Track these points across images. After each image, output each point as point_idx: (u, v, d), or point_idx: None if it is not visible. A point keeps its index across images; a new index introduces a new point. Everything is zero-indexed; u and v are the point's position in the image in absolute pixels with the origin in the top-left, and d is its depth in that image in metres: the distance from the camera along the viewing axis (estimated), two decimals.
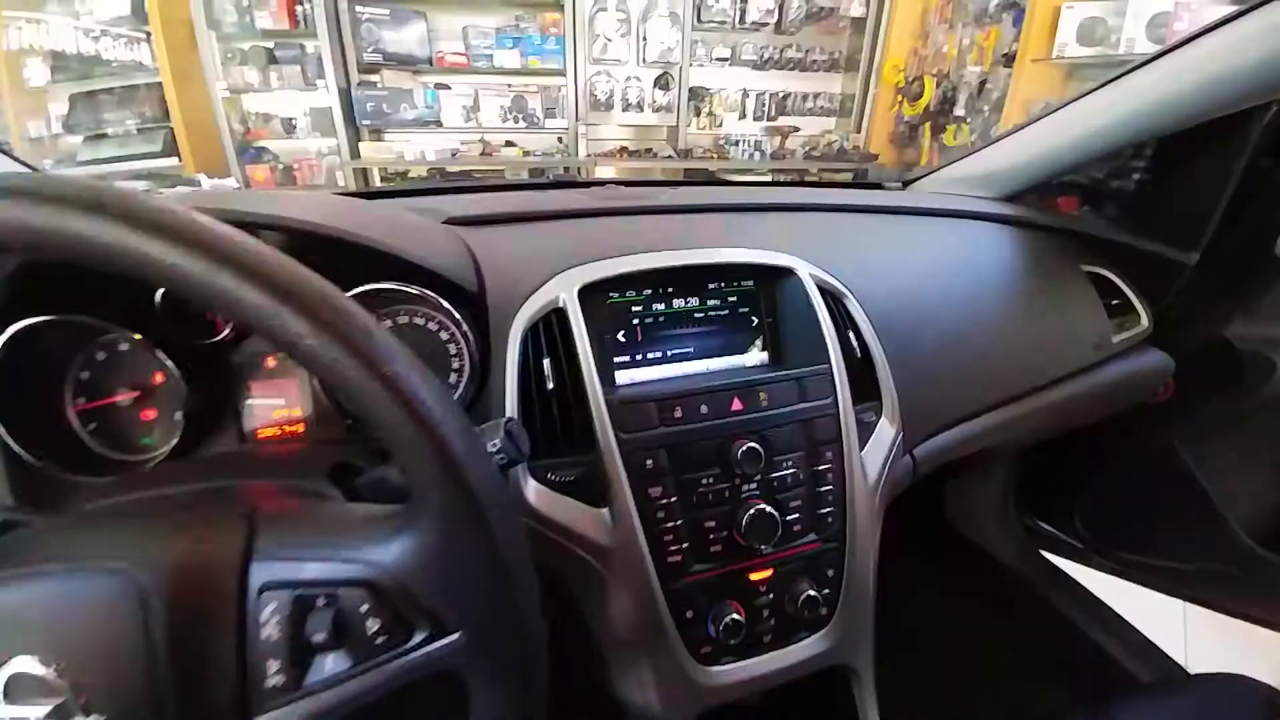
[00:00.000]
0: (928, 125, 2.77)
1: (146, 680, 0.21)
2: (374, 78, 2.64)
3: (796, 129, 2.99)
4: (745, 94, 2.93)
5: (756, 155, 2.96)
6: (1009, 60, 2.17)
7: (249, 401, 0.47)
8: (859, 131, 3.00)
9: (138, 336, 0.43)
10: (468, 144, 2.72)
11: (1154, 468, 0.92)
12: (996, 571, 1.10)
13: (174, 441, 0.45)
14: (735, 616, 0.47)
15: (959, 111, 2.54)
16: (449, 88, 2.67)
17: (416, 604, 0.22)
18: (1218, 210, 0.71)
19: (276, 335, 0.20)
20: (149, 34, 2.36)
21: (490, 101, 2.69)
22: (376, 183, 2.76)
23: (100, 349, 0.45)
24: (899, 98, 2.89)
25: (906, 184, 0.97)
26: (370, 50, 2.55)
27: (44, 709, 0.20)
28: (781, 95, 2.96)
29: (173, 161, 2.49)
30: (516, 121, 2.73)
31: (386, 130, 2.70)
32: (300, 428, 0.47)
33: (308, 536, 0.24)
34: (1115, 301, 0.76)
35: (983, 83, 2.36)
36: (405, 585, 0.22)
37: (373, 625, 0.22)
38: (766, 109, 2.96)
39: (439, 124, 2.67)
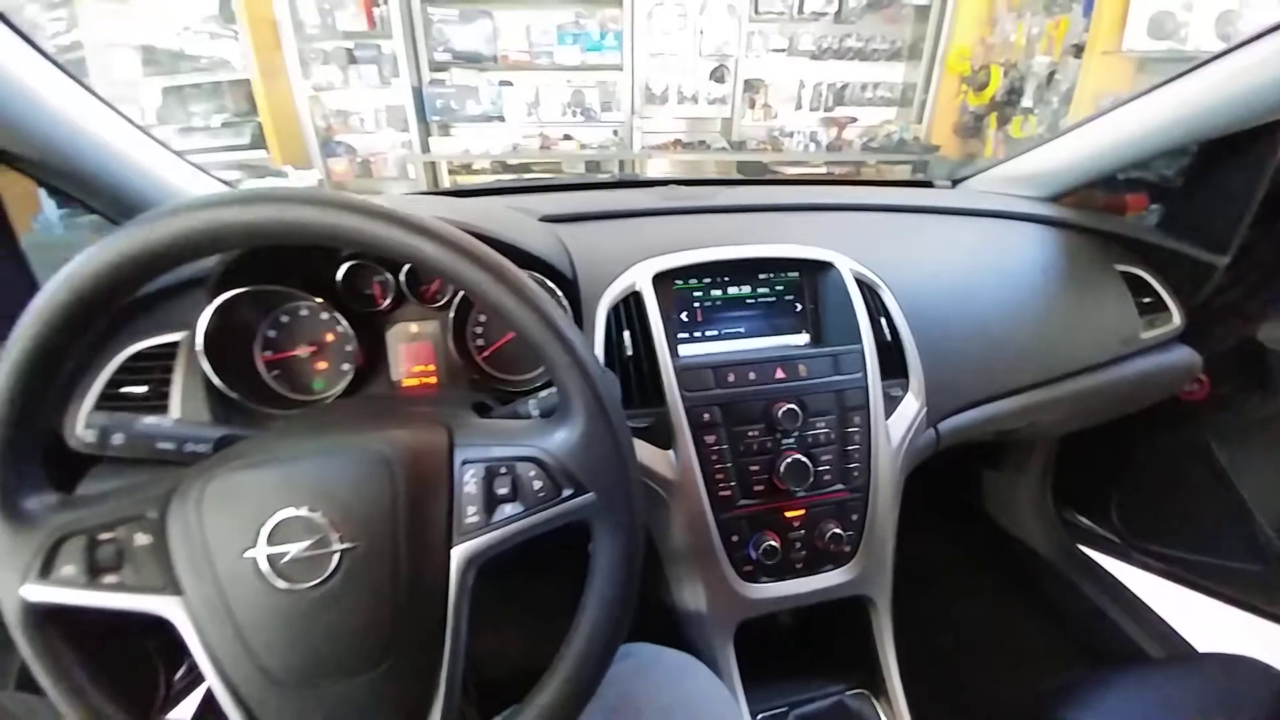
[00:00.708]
0: (993, 116, 2.70)
1: (390, 520, 0.33)
2: (443, 75, 2.81)
3: (854, 119, 2.94)
4: (802, 84, 2.91)
5: (812, 147, 2.94)
6: (1078, 51, 2.11)
7: (398, 357, 0.61)
8: (920, 122, 2.92)
9: (319, 302, 0.57)
10: (528, 138, 2.86)
11: (1189, 465, 0.94)
12: (1030, 559, 1.14)
13: (342, 386, 0.59)
14: (772, 544, 0.58)
15: (1026, 102, 2.47)
16: (512, 84, 2.81)
17: (567, 473, 0.34)
18: (1249, 213, 0.74)
19: (490, 301, 0.32)
20: (235, 32, 2.55)
21: (550, 96, 2.81)
22: (444, 174, 2.95)
23: (283, 313, 0.59)
24: (964, 87, 2.81)
25: (956, 182, 1.02)
26: (440, 50, 2.72)
27: (306, 542, 0.31)
28: (840, 85, 2.92)
29: (260, 154, 2.70)
30: (575, 115, 2.84)
31: (453, 125, 2.88)
32: (434, 379, 0.61)
33: (491, 433, 0.37)
34: (1148, 299, 0.80)
35: (1051, 73, 2.29)
36: (560, 460, 0.34)
37: (537, 485, 0.34)
38: (824, 99, 2.94)
39: (502, 119, 2.82)
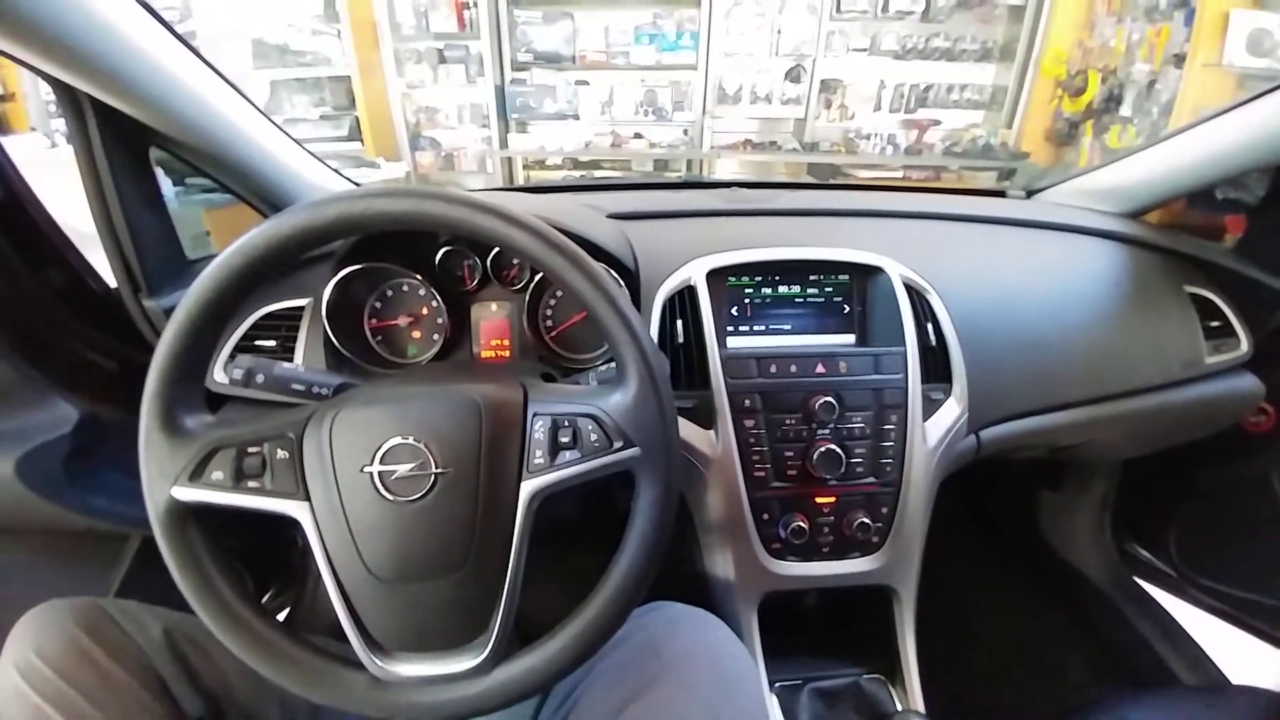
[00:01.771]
0: (1089, 124, 2.53)
1: (475, 453, 0.40)
2: (524, 75, 2.95)
3: (937, 122, 2.82)
4: (882, 85, 2.82)
5: (889, 149, 2.85)
6: (1179, 61, 1.96)
7: (478, 332, 0.70)
8: (1009, 127, 2.77)
9: (418, 278, 0.67)
10: (600, 135, 2.95)
11: (1248, 499, 0.90)
12: (1082, 586, 1.11)
13: (432, 353, 0.68)
14: (801, 525, 0.62)
15: (1125, 111, 2.31)
16: (588, 83, 2.91)
17: (619, 429, 0.41)
18: None
19: (567, 283, 0.39)
20: (338, 31, 2.75)
21: (624, 95, 2.89)
22: (519, 168, 3.10)
23: (390, 287, 0.69)
24: (1059, 92, 2.64)
25: (1031, 193, 1.00)
26: (523, 50, 2.85)
27: (411, 465, 0.39)
28: (923, 87, 2.81)
29: (355, 146, 2.92)
30: (647, 115, 2.91)
31: (530, 122, 3.01)
32: (507, 353, 0.69)
33: (559, 394, 0.44)
34: (1216, 324, 0.78)
35: (1152, 82, 2.13)
36: (614, 418, 0.41)
37: (593, 436, 0.41)
38: (905, 100, 2.84)
39: (576, 117, 2.93)
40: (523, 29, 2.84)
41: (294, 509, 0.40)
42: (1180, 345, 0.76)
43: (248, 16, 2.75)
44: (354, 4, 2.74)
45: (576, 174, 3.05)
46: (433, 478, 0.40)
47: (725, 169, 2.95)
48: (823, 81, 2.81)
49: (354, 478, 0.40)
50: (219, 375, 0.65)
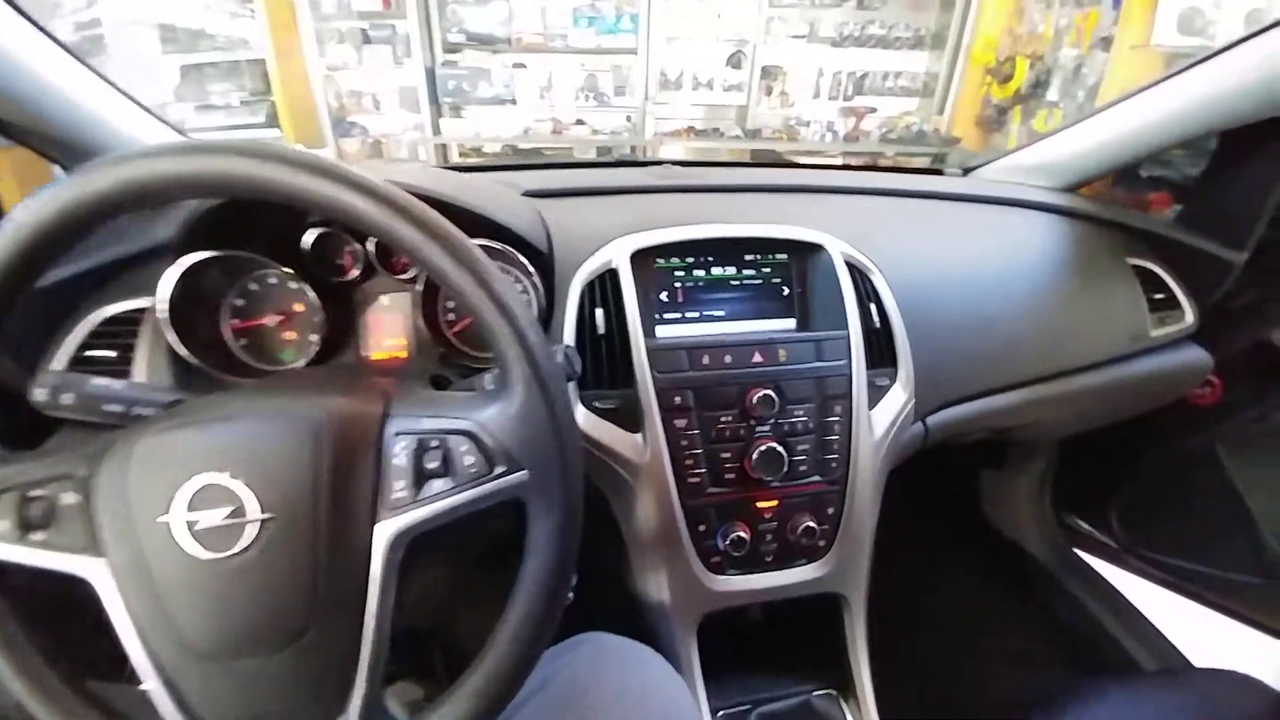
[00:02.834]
0: (1018, 109, 2.62)
1: (310, 490, 0.31)
2: (456, 57, 2.80)
3: (873, 110, 2.88)
4: (821, 72, 2.85)
5: (828, 137, 2.89)
6: (1106, 44, 2.03)
7: (366, 330, 0.59)
8: (941, 114, 2.86)
9: (287, 271, 0.56)
10: (540, 121, 2.84)
11: (1194, 471, 0.91)
12: (1023, 561, 1.12)
13: (309, 357, 0.57)
14: (742, 535, 0.56)
15: (1052, 96, 2.39)
16: (525, 67, 2.79)
17: (501, 448, 0.32)
18: (1269, 209, 0.70)
19: (428, 263, 0.30)
20: (253, 11, 2.54)
21: (563, 80, 2.78)
22: (455, 156, 2.94)
23: (254, 281, 0.58)
24: (988, 79, 2.73)
25: (968, 170, 0.98)
26: (454, 30, 2.70)
27: (224, 510, 0.30)
28: (860, 74, 2.86)
29: (275, 133, 2.70)
30: (588, 100, 2.82)
31: (465, 107, 2.86)
32: (404, 354, 0.59)
33: (427, 404, 0.35)
34: (1160, 296, 0.76)
35: (1078, 66, 2.21)
36: (494, 434, 0.32)
37: (469, 461, 0.32)
38: (843, 88, 2.88)
39: (514, 102, 2.80)
40: (453, 8, 2.68)
41: (85, 567, 0.31)
42: (1125, 318, 0.75)
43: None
44: None
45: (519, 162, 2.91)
46: (254, 526, 0.31)
47: (668, 155, 2.89)
48: (763, 68, 2.81)
49: (155, 529, 0.31)
50: (35, 391, 0.52)
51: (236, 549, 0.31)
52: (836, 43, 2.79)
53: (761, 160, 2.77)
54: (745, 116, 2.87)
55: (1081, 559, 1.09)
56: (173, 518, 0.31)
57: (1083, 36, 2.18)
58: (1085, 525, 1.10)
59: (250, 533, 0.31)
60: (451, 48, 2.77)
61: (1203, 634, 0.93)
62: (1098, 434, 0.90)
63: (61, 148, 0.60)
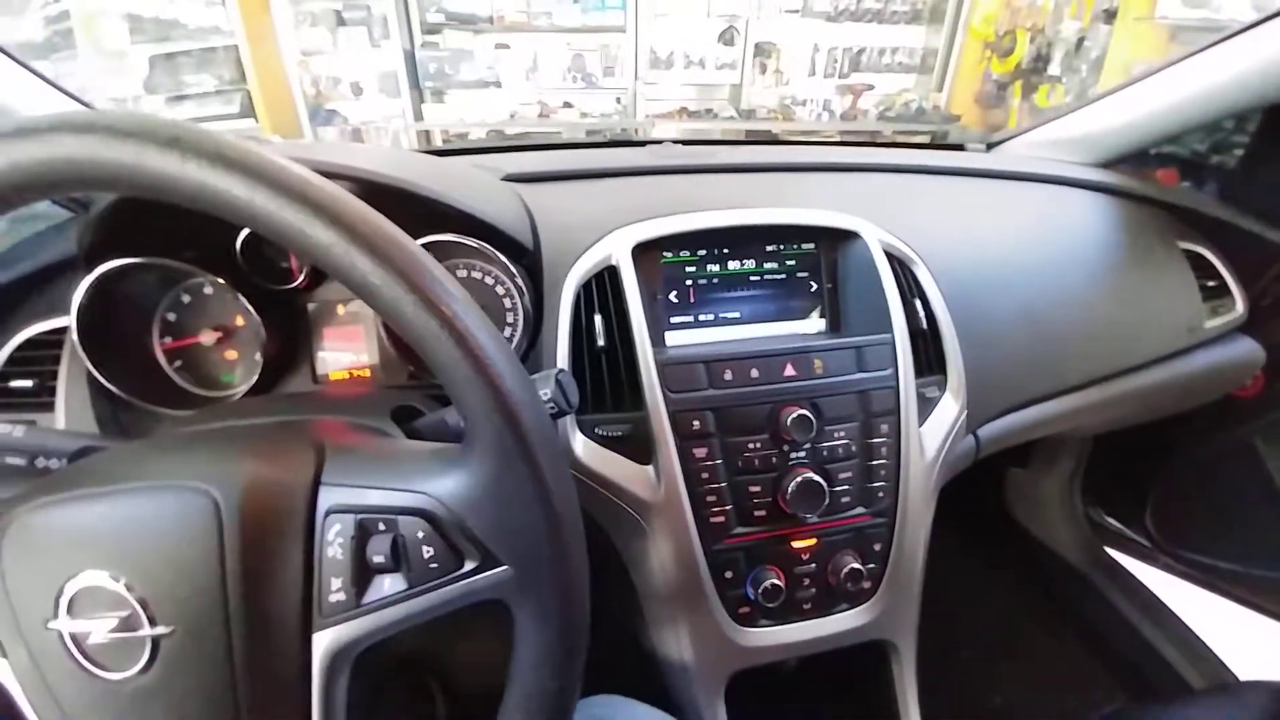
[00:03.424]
0: (1018, 84, 2.54)
1: (217, 594, 0.23)
2: (436, 38, 2.66)
3: (870, 87, 2.80)
4: (816, 49, 2.74)
5: (825, 115, 2.80)
6: (1110, 17, 1.96)
7: (321, 346, 0.50)
8: (940, 90, 2.78)
9: (221, 281, 0.46)
10: (526, 105, 2.71)
11: (1232, 466, 0.85)
12: (1054, 563, 1.05)
13: (253, 380, 0.48)
14: (775, 581, 0.47)
15: (1054, 70, 2.31)
16: (509, 47, 2.66)
17: (469, 535, 0.24)
18: None
19: (343, 271, 0.21)
20: None
21: (549, 61, 2.66)
22: (438, 143, 2.81)
23: (185, 292, 0.48)
24: (987, 53, 2.64)
25: (991, 146, 0.90)
26: (433, 10, 2.56)
27: (110, 621, 0.23)
28: (856, 50, 2.76)
29: (250, 123, 2.57)
30: (575, 81, 2.69)
31: (447, 91, 2.73)
32: (367, 373, 0.50)
33: (372, 467, 0.26)
34: (1211, 283, 0.70)
35: (1081, 40, 2.13)
36: (460, 517, 0.24)
37: (428, 551, 0.24)
38: (839, 65, 2.78)
39: (498, 85, 2.67)
40: None
41: None
42: (1182, 309, 0.67)
43: None
44: None
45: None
46: (148, 643, 0.23)
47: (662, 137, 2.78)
48: (756, 45, 2.70)
49: (41, 634, 0.24)
50: None
51: (133, 670, 0.23)
52: (832, 17, 2.70)
53: (759, 140, 2.67)
54: (739, 96, 2.76)
55: (1114, 559, 1.04)
56: (54, 625, 0.23)
57: (1084, 9, 2.11)
58: (1117, 523, 1.05)
59: (146, 651, 0.23)
60: (431, 28, 2.63)
61: (1239, 633, 0.88)
62: (1130, 429, 0.84)
63: None
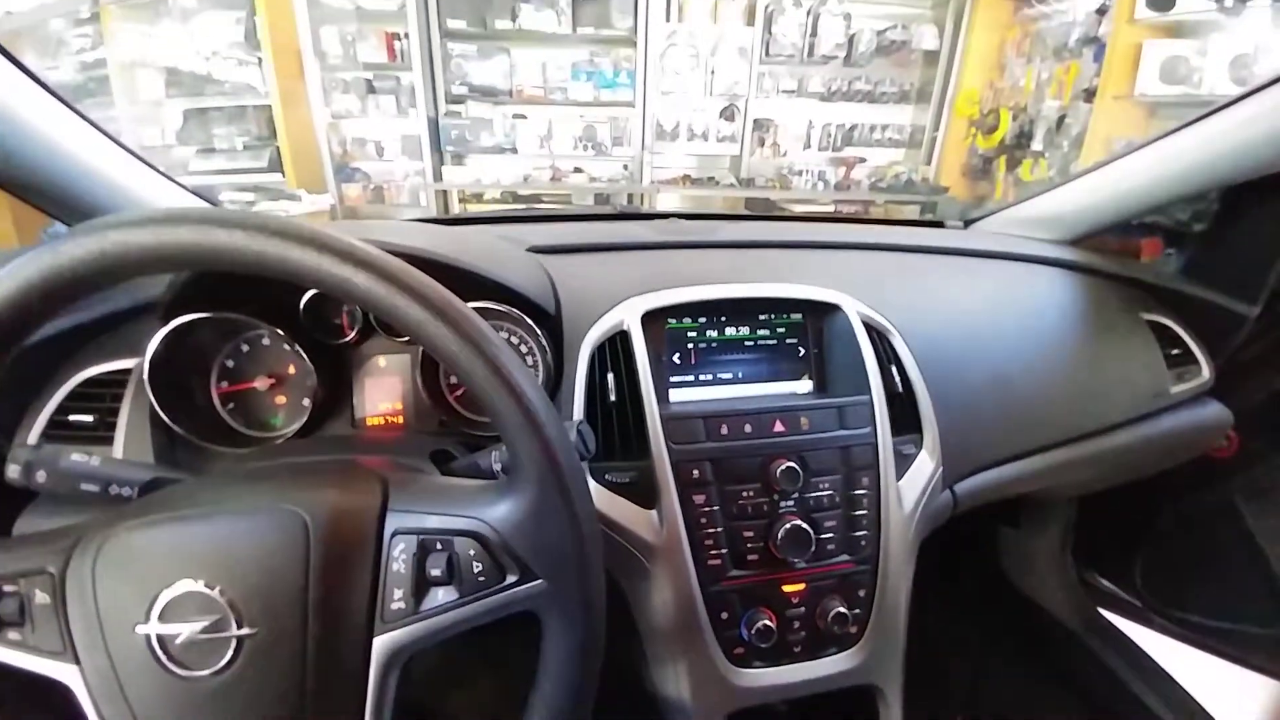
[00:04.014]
0: (1003, 159, 2.71)
1: (299, 601, 0.28)
2: (459, 108, 2.87)
3: (863, 160, 2.98)
4: (811, 124, 2.94)
5: (820, 185, 2.97)
6: (1089, 95, 2.11)
7: (363, 394, 0.56)
8: (929, 163, 2.96)
9: (280, 333, 0.53)
10: (539, 169, 2.89)
11: (1214, 525, 0.89)
12: (1047, 624, 1.06)
13: (299, 423, 0.53)
14: (767, 623, 0.51)
15: (1037, 146, 2.47)
16: (525, 117, 2.86)
17: (512, 554, 0.29)
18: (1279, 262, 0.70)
19: (431, 340, 0.28)
20: (260, 59, 2.60)
21: (563, 130, 2.85)
22: (455, 202, 2.97)
23: (245, 342, 0.55)
24: (972, 130, 2.84)
25: (969, 223, 0.98)
26: (458, 83, 2.78)
27: (200, 623, 0.27)
28: (848, 126, 2.96)
29: (276, 177, 2.73)
30: (586, 149, 2.88)
31: (467, 155, 2.92)
32: (401, 419, 0.56)
33: (430, 497, 0.31)
34: (1176, 351, 0.75)
35: (1062, 117, 2.30)
36: (505, 538, 0.29)
37: (477, 567, 0.29)
38: (832, 139, 2.97)
39: (514, 150, 2.86)
40: (457, 62, 2.76)
41: (60, 672, 0.29)
42: (1146, 376, 0.73)
43: (163, 45, 2.58)
44: (276, 31, 2.59)
45: (519, 208, 2.95)
46: (234, 642, 0.27)
47: (666, 203, 2.94)
48: (755, 120, 2.90)
49: (127, 638, 0.28)
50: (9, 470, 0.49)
51: (214, 668, 0.27)
52: (825, 97, 2.90)
53: (758, 209, 2.83)
54: (739, 166, 2.94)
55: (1106, 620, 1.04)
56: (143, 629, 0.27)
57: (1064, 88, 2.27)
58: (1108, 584, 1.06)
59: (230, 650, 0.27)
60: (455, 99, 2.84)
61: (1236, 694, 0.89)
62: (1118, 489, 0.88)
63: (58, 205, 0.58)
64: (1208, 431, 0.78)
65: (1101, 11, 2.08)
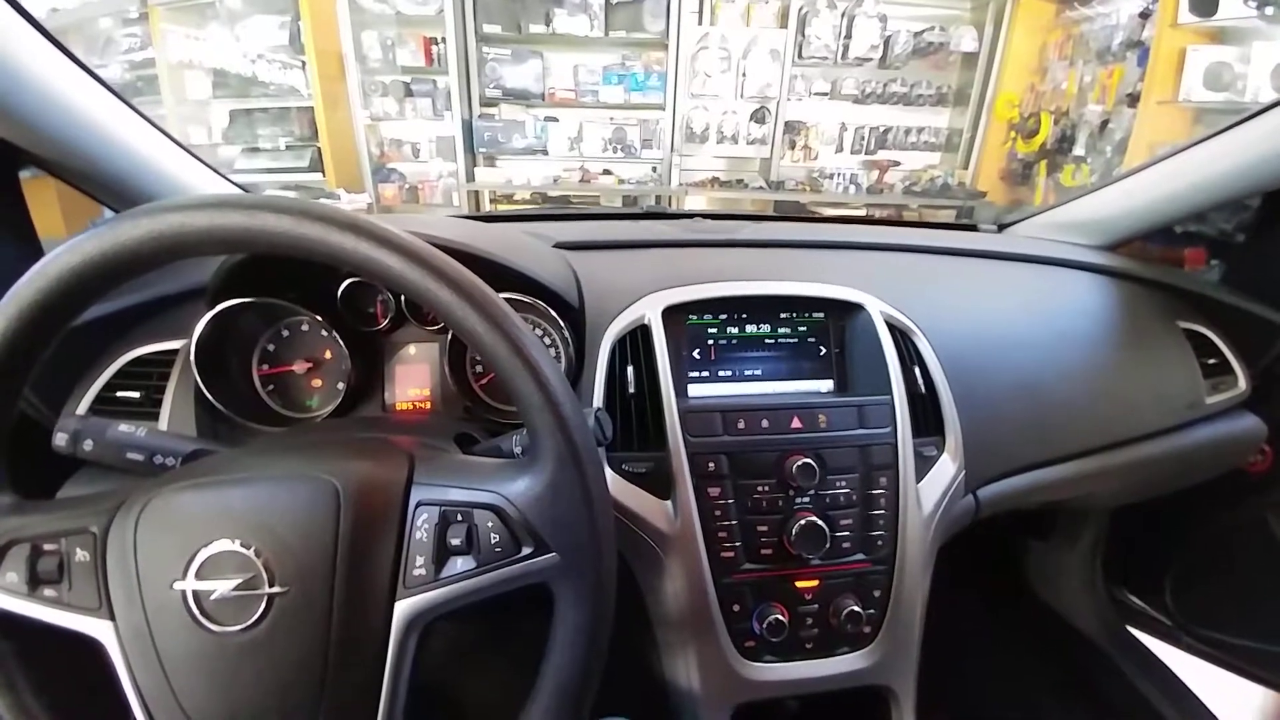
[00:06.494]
0: (1043, 164, 2.63)
1: (329, 563, 0.30)
2: (492, 110, 2.93)
3: (897, 163, 2.92)
4: (844, 127, 2.90)
5: (851, 189, 2.93)
6: (1133, 100, 2.04)
7: (393, 379, 0.58)
8: (966, 168, 2.89)
9: (319, 319, 0.56)
10: (569, 171, 2.93)
11: (1247, 543, 0.85)
12: (1074, 639, 1.03)
13: (334, 405, 0.56)
14: (779, 618, 0.51)
15: (1079, 151, 2.40)
16: (557, 120, 2.90)
17: (528, 527, 0.30)
18: None
19: (457, 323, 0.29)
20: (304, 63, 2.69)
21: (593, 132, 2.88)
22: (487, 202, 3.04)
23: (285, 327, 0.58)
24: (1012, 134, 2.76)
25: (1003, 227, 0.97)
26: (492, 86, 2.84)
27: (235, 580, 0.29)
28: (883, 129, 2.91)
29: (316, 176, 2.82)
30: (616, 151, 2.91)
31: (499, 157, 2.98)
32: (428, 404, 0.58)
33: (453, 472, 0.33)
34: (1212, 361, 0.73)
35: (1105, 122, 2.22)
36: (522, 511, 0.30)
37: (494, 539, 0.30)
38: (866, 142, 2.93)
39: (545, 152, 2.91)
40: (492, 65, 2.82)
41: (95, 628, 0.30)
42: (1180, 385, 0.70)
43: (210, 47, 2.69)
44: (319, 35, 2.69)
45: (548, 208, 3.00)
46: (265, 600, 0.29)
47: (694, 206, 2.94)
48: (787, 123, 2.87)
49: (163, 595, 0.29)
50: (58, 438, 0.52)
51: (245, 624, 0.29)
52: (859, 99, 2.85)
53: (786, 211, 2.80)
54: (769, 169, 2.92)
55: (1134, 637, 1.01)
56: (180, 585, 0.29)
57: (1108, 93, 2.20)
58: (1138, 601, 1.03)
59: (261, 607, 0.29)
60: (489, 102, 2.90)
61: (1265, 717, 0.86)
62: (1149, 504, 0.85)
63: (112, 193, 0.61)
64: (1242, 444, 0.76)
65: (1145, 15, 2.01)
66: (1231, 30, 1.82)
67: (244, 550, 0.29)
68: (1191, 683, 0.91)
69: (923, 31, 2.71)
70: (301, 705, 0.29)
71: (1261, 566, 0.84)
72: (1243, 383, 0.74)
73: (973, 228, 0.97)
